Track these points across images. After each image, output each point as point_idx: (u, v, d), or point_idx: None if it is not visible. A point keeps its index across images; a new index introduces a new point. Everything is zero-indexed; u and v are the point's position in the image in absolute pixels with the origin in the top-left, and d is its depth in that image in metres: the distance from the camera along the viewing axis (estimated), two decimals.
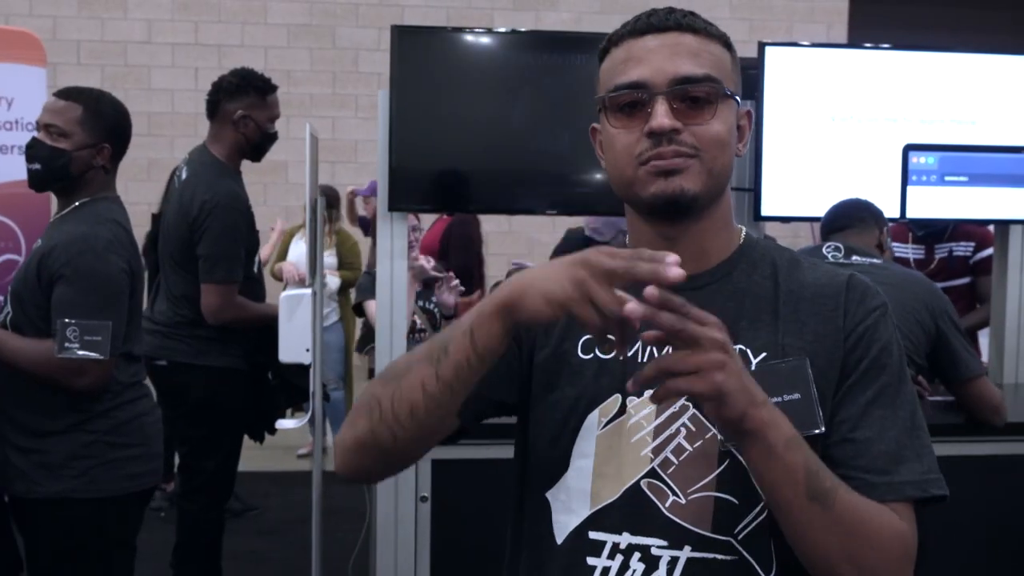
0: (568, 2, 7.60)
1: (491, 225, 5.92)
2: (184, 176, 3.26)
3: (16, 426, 2.39)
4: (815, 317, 1.20)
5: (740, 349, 1.18)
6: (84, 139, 2.47)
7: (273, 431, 3.38)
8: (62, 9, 7.26)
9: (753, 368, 1.16)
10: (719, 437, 1.15)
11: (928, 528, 2.50)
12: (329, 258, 5.93)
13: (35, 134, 2.50)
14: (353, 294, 5.76)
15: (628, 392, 1.16)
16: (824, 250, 2.82)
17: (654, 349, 1.17)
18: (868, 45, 3.60)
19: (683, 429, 1.17)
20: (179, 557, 3.29)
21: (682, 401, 1.17)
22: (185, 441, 3.25)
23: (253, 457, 4.23)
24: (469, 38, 3.22)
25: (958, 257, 3.89)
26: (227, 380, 3.21)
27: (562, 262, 1.02)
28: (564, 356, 1.23)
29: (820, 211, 3.18)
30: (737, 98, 1.22)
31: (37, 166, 2.47)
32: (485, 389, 1.17)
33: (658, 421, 1.17)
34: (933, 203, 3.44)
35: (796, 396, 1.14)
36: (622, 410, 1.19)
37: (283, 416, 3.40)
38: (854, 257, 2.78)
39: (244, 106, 3.25)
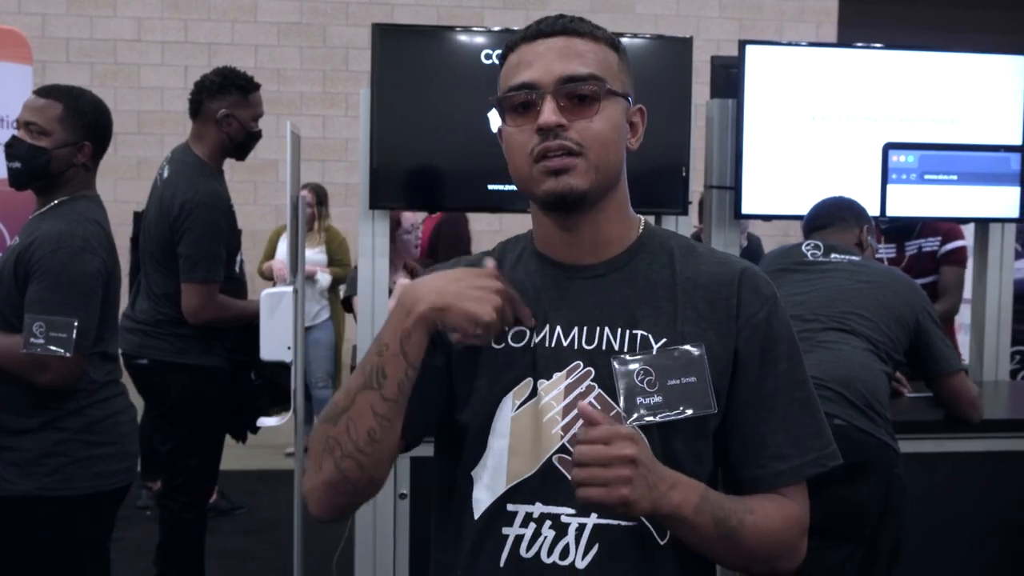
0: (558, 1, 7.61)
1: (480, 224, 5.92)
2: (166, 175, 3.26)
3: None
4: (710, 304, 1.30)
5: (641, 335, 1.28)
6: (64, 137, 2.47)
7: (255, 430, 3.38)
8: (51, 7, 7.26)
9: (654, 353, 1.27)
10: (622, 415, 1.25)
11: (905, 526, 2.53)
12: (319, 255, 5.94)
13: (16, 132, 2.51)
14: (343, 290, 5.78)
15: (538, 378, 1.29)
16: (803, 248, 2.83)
17: (560, 334, 1.30)
18: (859, 45, 3.62)
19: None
20: (162, 556, 3.29)
21: (588, 381, 1.28)
22: (167, 440, 3.25)
23: (241, 456, 4.24)
24: (451, 37, 3.23)
25: (927, 253, 3.89)
26: (209, 379, 3.21)
27: (472, 283, 1.22)
28: (478, 349, 1.31)
29: (800, 209, 3.20)
30: (629, 97, 1.32)
31: (17, 165, 2.47)
32: (421, 415, 1.30)
33: (567, 401, 1.28)
34: (913, 201, 3.46)
35: (692, 379, 1.26)
36: (533, 393, 1.29)
37: (266, 414, 3.40)
38: (833, 255, 2.78)
39: (227, 105, 3.25)
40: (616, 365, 1.26)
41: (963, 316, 4.41)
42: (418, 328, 1.21)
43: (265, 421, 3.24)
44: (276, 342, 3.03)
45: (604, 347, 1.28)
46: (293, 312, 3.02)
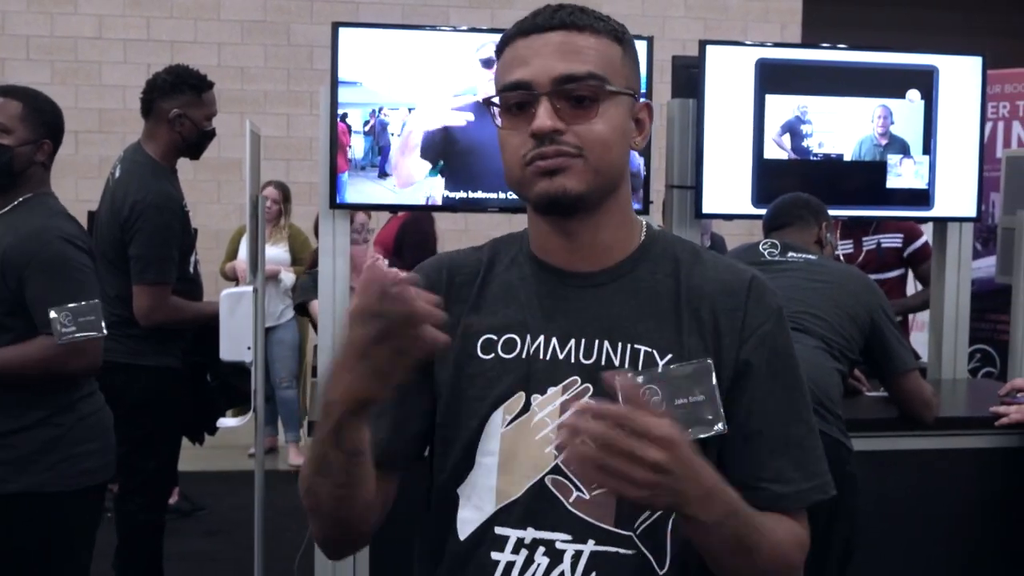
0: (524, 0, 7.60)
1: (446, 223, 5.89)
2: (117, 175, 3.21)
3: None
4: (716, 316, 1.21)
5: (644, 351, 1.19)
6: (26, 135, 2.47)
7: (213, 432, 3.35)
8: (10, 4, 7.15)
9: (659, 370, 1.18)
10: None
11: (857, 525, 2.54)
12: (283, 253, 5.90)
13: None
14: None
15: (535, 395, 1.20)
16: (760, 247, 2.84)
17: (556, 346, 1.20)
18: (824, 45, 3.64)
19: None
20: (120, 559, 3.25)
21: (586, 399, 1.18)
22: (123, 442, 3.19)
23: (203, 457, 4.21)
24: (410, 35, 3.21)
25: (888, 249, 3.93)
26: (164, 380, 3.16)
27: (342, 364, 1.06)
28: (465, 360, 1.23)
29: (760, 209, 3.21)
30: (635, 93, 1.22)
31: None
32: (401, 442, 1.25)
33: (562, 419, 1.16)
34: None
35: (700, 397, 1.17)
36: (526, 407, 1.20)
37: (225, 415, 3.37)
38: (790, 254, 2.79)
39: (179, 104, 3.20)
40: (618, 384, 1.12)
41: (921, 314, 4.44)
42: (342, 426, 1.08)
43: (225, 422, 3.21)
44: (236, 342, 3.00)
45: (603, 362, 1.19)
46: (253, 312, 3.00)
